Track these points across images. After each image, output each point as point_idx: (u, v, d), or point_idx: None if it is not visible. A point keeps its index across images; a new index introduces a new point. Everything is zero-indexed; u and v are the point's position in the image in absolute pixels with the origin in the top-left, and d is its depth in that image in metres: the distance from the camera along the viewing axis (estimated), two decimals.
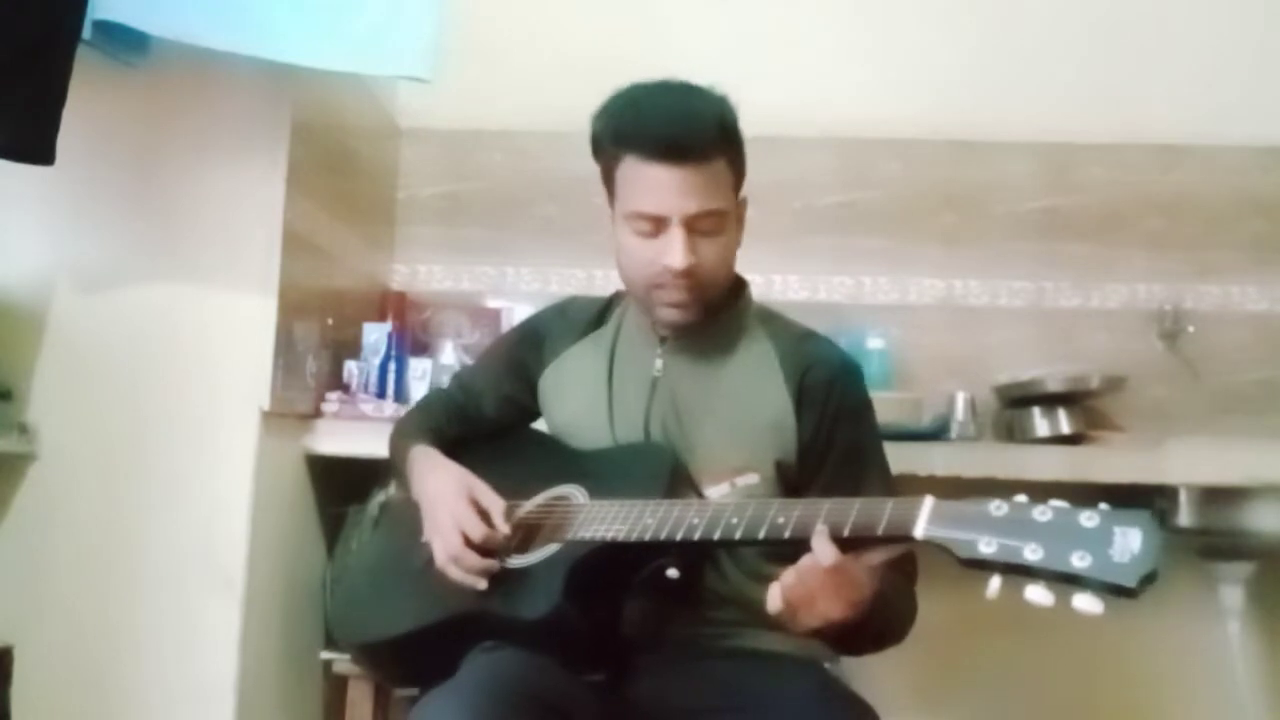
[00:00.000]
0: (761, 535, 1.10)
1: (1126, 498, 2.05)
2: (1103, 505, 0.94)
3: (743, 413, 1.36)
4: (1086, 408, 2.21)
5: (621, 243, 1.36)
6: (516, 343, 1.57)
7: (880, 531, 1.04)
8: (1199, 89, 2.42)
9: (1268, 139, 2.41)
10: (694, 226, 1.29)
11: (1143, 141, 2.44)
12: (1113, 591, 0.89)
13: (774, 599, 1.10)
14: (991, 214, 2.47)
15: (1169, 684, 2.21)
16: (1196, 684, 2.20)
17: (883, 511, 1.05)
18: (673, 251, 1.29)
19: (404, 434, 1.55)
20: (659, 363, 1.40)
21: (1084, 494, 2.10)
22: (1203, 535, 2.05)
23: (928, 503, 1.02)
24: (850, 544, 1.07)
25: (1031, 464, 2.01)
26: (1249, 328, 2.40)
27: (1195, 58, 2.43)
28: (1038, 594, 0.91)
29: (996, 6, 2.49)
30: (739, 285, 1.44)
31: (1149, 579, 0.88)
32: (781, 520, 1.10)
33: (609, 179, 1.37)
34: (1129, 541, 0.90)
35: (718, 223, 1.31)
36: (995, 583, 0.94)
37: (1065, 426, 2.15)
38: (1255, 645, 2.20)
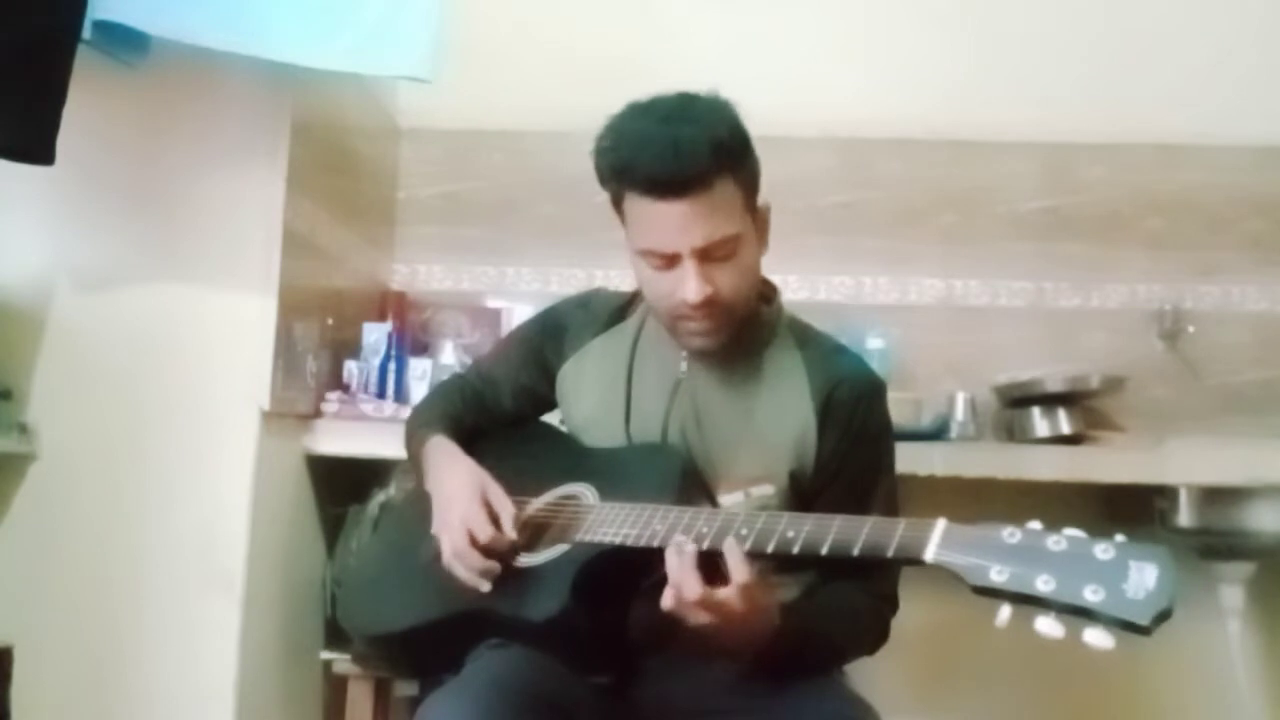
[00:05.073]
0: (770, 549, 1.10)
1: (1126, 497, 2.06)
2: (1119, 537, 0.93)
3: (765, 423, 1.35)
4: (1086, 408, 2.21)
5: (639, 273, 1.33)
6: (537, 333, 1.54)
7: (890, 553, 1.03)
8: (1199, 89, 2.41)
9: (1268, 139, 2.41)
10: (706, 255, 1.26)
11: (1143, 141, 2.44)
12: (1125, 628, 0.87)
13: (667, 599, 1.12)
14: (991, 214, 2.47)
15: (1169, 683, 2.21)
16: (1196, 684, 2.20)
17: (894, 533, 1.04)
18: (686, 286, 1.26)
19: (422, 421, 1.53)
20: (684, 365, 1.39)
21: (1084, 494, 2.11)
22: (1203, 535, 2.05)
23: (940, 526, 1.01)
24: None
25: (1031, 464, 2.01)
26: (1249, 328, 2.40)
27: (1195, 58, 2.42)
28: (1048, 626, 0.89)
29: (996, 6, 2.49)
30: (769, 291, 1.42)
31: (1163, 616, 0.87)
32: (791, 534, 1.09)
33: (618, 210, 1.33)
34: (1144, 577, 0.88)
35: (731, 247, 1.27)
36: (1005, 612, 0.92)
37: (1065, 426, 2.15)
38: (1255, 645, 2.20)
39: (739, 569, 1.10)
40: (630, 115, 1.30)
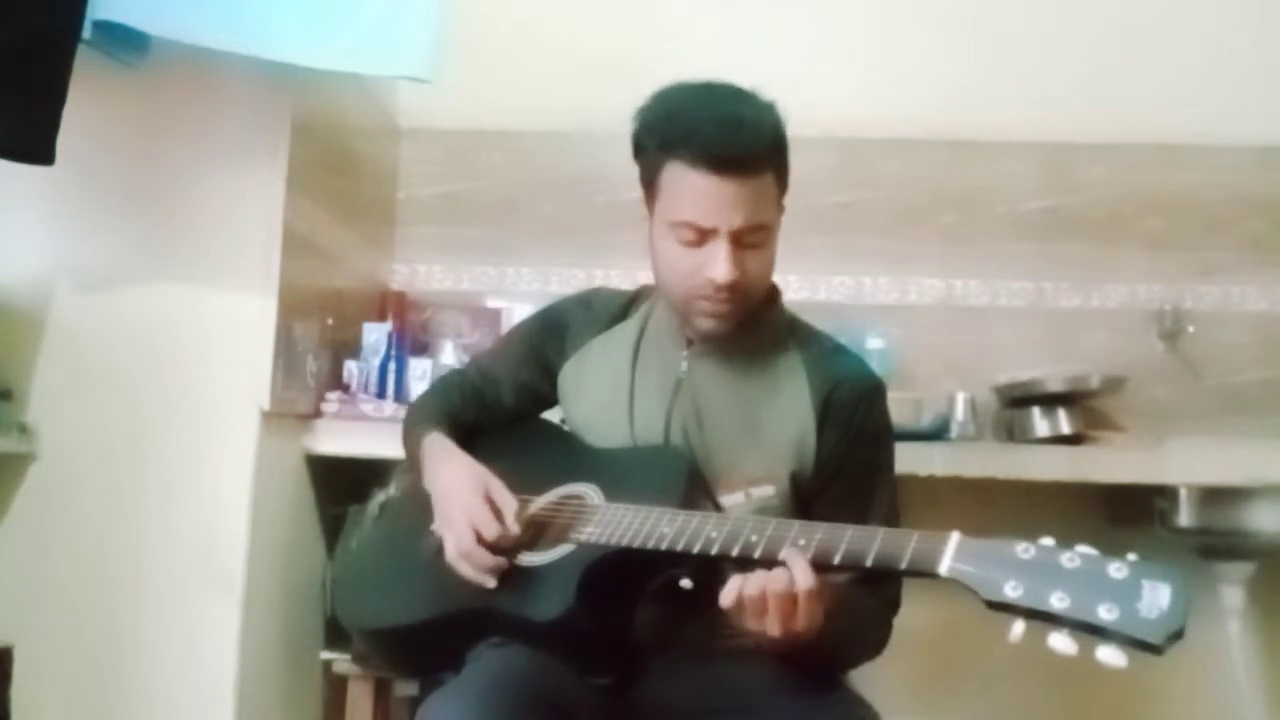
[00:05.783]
0: (781, 556, 1.10)
1: (1126, 497, 2.06)
2: (1131, 556, 0.93)
3: (765, 423, 1.35)
4: (1086, 408, 2.21)
5: (661, 248, 1.32)
6: (538, 331, 1.53)
7: (904, 565, 1.03)
8: (1199, 89, 2.41)
9: (1268, 139, 2.41)
10: (740, 239, 1.27)
11: (1143, 141, 2.44)
12: (1138, 647, 0.88)
13: (728, 595, 1.10)
14: (991, 214, 2.47)
15: (1169, 684, 2.21)
16: (1196, 684, 2.20)
17: (907, 544, 1.04)
18: (717, 265, 1.26)
19: (419, 418, 1.53)
20: (684, 364, 1.39)
21: (1084, 494, 2.11)
22: (1203, 535, 2.05)
23: (953, 539, 1.01)
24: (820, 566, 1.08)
25: (1031, 464, 2.01)
26: (1249, 328, 2.40)
27: (1195, 58, 2.42)
28: (1061, 642, 0.90)
29: (996, 6, 2.49)
30: (771, 292, 1.42)
31: (1176, 636, 0.88)
32: (803, 543, 1.09)
33: (650, 182, 1.33)
34: (1158, 597, 0.89)
35: (763, 236, 1.30)
36: (1019, 627, 0.93)
37: (1065, 426, 2.15)
38: (1255, 645, 2.20)
39: (804, 576, 1.08)
40: (684, 91, 1.32)
